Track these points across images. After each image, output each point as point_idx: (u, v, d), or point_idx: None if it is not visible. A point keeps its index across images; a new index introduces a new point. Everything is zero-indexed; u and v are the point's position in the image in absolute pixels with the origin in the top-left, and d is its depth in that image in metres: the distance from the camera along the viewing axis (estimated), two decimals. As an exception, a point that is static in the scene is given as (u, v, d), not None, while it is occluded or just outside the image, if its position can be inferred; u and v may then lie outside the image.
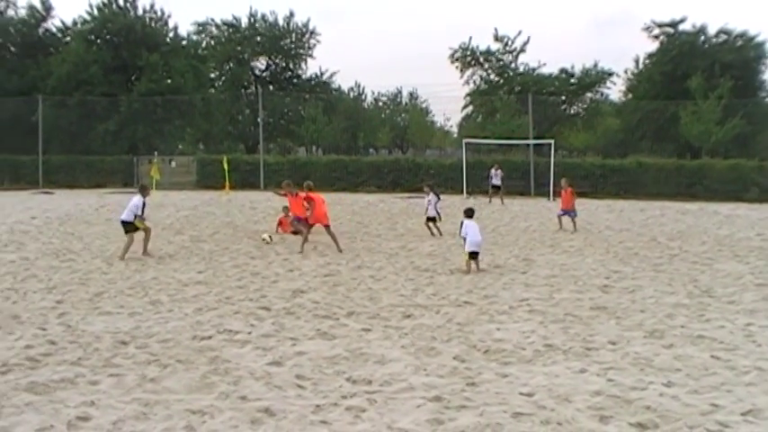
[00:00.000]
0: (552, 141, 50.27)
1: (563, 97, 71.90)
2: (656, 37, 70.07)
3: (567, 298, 15.40)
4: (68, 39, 68.75)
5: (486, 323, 13.01)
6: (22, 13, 68.88)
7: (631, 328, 12.74)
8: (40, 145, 57.61)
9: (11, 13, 68.93)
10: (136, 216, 21.44)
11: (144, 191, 22.45)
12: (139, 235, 21.27)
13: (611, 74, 71.30)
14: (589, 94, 73.12)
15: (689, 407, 8.80)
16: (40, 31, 69.47)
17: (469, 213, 20.23)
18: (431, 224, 26.61)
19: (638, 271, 18.96)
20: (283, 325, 12.70)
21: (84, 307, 14.15)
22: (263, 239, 24.45)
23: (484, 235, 20.90)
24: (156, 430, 7.98)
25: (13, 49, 68.18)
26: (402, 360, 10.64)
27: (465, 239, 19.45)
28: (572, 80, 71.22)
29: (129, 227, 21.40)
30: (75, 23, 68.13)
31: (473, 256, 19.34)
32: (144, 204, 21.84)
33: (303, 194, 22.94)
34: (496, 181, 43.63)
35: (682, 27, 68.75)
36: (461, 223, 19.91)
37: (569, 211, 29.40)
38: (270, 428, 8.07)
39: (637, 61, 74.65)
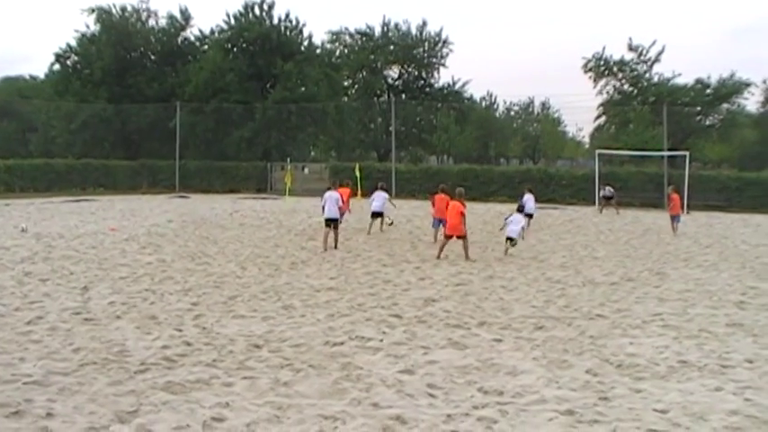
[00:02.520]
0: (687, 153, 49.38)
1: (698, 108, 70.42)
2: (798, 46, 68.14)
3: (702, 314, 15.10)
4: (206, 47, 70.30)
5: (619, 337, 12.85)
6: (162, 22, 70.74)
7: (769, 346, 12.43)
8: (177, 150, 59.15)
9: (152, 22, 70.74)
10: (341, 207, 24.67)
11: (334, 185, 25.91)
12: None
13: (748, 84, 69.47)
14: (725, 105, 71.37)
15: (831, 429, 8.55)
16: (179, 39, 71.20)
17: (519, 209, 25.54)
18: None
19: (777, 287, 18.48)
20: (415, 333, 12.74)
21: (218, 310, 14.42)
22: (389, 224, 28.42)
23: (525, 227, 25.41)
24: (288, 434, 8.07)
25: (153, 57, 70.09)
26: (534, 372, 10.58)
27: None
28: (708, 90, 69.65)
29: (335, 222, 24.50)
30: (212, 32, 69.80)
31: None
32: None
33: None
34: (606, 193, 44.43)
35: (825, 36, 66.82)
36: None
37: (676, 216, 31.81)
38: (401, 436, 8.10)
39: (776, 71, 72.84)
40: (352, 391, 9.55)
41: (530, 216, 30.44)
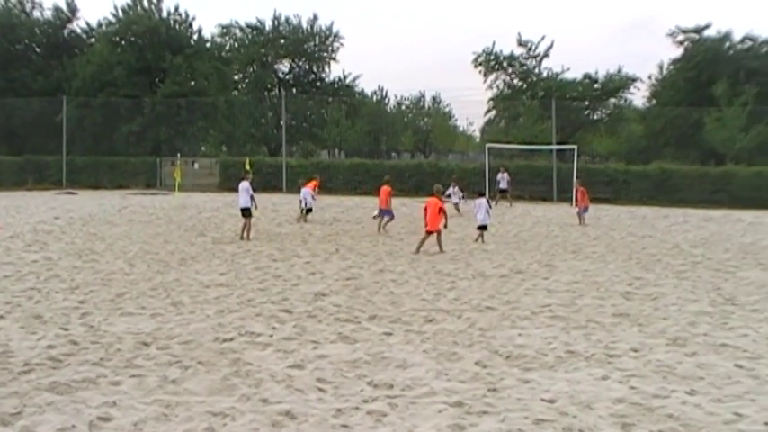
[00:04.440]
0: (575, 147, 50.15)
1: (586, 103, 71.60)
2: (681, 43, 69.72)
3: (590, 304, 15.35)
4: (93, 40, 69.08)
5: (508, 329, 12.98)
6: (48, 14, 69.28)
7: (654, 335, 12.68)
8: (64, 145, 57.94)
9: (36, 14, 69.32)
10: (252, 197, 25.37)
11: (247, 175, 26.65)
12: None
13: (634, 79, 70.88)
14: (612, 100, 72.71)
15: (712, 415, 8.74)
16: (65, 32, 69.86)
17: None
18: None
19: (661, 278, 18.91)
20: (305, 328, 12.69)
21: (106, 307, 14.19)
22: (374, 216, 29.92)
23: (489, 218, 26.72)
24: (177, 432, 7.98)
25: (38, 49, 68.59)
26: (423, 365, 10.62)
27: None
28: (595, 85, 70.89)
29: (247, 212, 25.65)
30: (99, 25, 68.48)
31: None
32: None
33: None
34: (503, 185, 44.90)
35: (706, 33, 68.40)
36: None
37: (585, 208, 32.93)
38: (290, 431, 8.06)
39: (661, 67, 74.37)
40: (241, 387, 9.48)
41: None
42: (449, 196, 35.08)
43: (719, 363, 10.99)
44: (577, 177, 39.18)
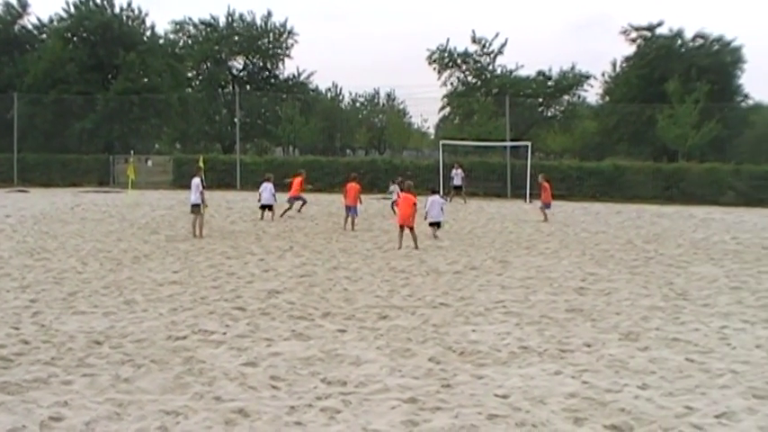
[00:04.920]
0: (529, 144, 50.48)
1: (540, 100, 72.17)
2: (634, 40, 70.39)
3: (543, 300, 15.42)
4: (45, 36, 68.40)
5: (462, 325, 13.00)
6: (-2, 9, 68.45)
7: (607, 330, 12.77)
8: (15, 143, 57.31)
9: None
10: (201, 193, 25.17)
11: (199, 171, 26.32)
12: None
13: (588, 77, 71.50)
14: (566, 97, 73.36)
15: (663, 409, 8.80)
16: (16, 28, 69.05)
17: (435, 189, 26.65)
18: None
19: (614, 273, 19.03)
20: (258, 326, 12.65)
21: (58, 306, 14.05)
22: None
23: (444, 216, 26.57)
24: (129, 431, 7.90)
25: (-13, 45, 67.77)
26: (377, 361, 10.61)
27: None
28: (549, 83, 71.42)
29: (196, 209, 25.48)
30: (51, 21, 67.83)
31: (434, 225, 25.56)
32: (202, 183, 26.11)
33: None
34: (457, 181, 45.06)
35: (659, 31, 69.14)
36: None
37: (548, 204, 32.97)
38: (244, 429, 8.02)
39: (614, 64, 74.83)
40: (194, 385, 9.43)
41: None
42: (391, 193, 35.43)
43: (671, 357, 11.08)
44: (542, 172, 39.07)
